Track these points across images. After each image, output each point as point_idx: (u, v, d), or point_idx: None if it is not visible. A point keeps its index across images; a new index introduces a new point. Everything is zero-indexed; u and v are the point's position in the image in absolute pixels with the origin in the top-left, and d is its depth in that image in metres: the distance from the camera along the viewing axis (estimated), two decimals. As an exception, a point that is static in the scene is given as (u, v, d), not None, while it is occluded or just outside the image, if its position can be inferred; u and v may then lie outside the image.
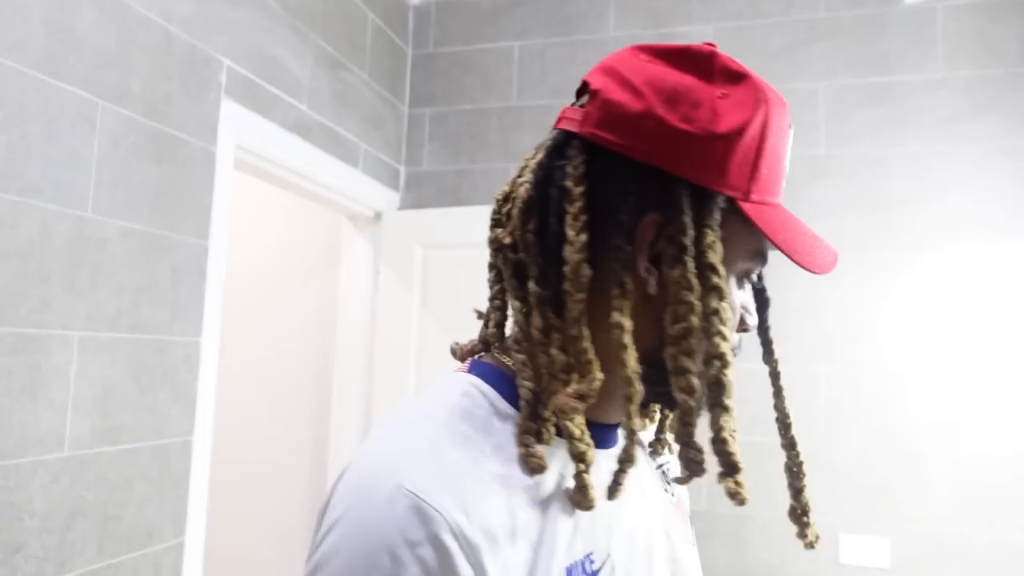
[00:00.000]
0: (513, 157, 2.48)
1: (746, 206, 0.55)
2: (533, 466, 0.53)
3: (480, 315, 0.65)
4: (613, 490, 0.57)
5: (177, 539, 1.56)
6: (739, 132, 0.54)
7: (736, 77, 0.56)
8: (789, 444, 0.65)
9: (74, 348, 1.32)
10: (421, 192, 2.57)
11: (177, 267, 1.56)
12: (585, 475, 0.53)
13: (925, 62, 2.17)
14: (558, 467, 0.56)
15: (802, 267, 0.55)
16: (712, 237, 0.54)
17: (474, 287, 2.35)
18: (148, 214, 1.49)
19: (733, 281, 0.59)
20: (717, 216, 0.55)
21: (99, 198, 1.37)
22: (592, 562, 0.56)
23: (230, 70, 1.72)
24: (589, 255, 0.54)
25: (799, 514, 0.63)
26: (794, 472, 0.64)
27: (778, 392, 0.66)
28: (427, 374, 2.31)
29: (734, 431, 0.54)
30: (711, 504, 2.12)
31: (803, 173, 2.21)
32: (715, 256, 0.54)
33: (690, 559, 0.69)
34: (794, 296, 2.17)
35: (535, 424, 0.54)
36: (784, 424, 0.65)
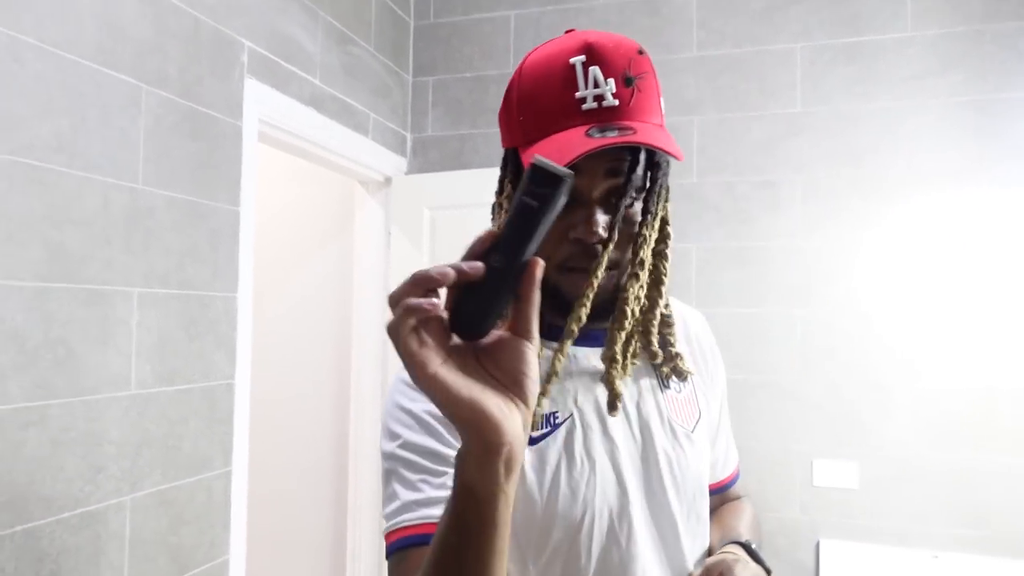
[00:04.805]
0: (512, 121, 2.65)
1: (522, 152, 0.76)
2: None
3: None
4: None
5: (225, 468, 1.79)
6: (505, 102, 0.79)
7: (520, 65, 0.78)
8: (639, 264, 0.79)
9: (134, 302, 1.53)
10: (427, 157, 2.75)
11: (214, 231, 1.76)
12: None
13: (894, 21, 2.31)
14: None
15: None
16: (508, 184, 0.81)
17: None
18: (188, 184, 1.68)
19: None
20: (512, 166, 0.80)
21: (147, 171, 1.57)
22: (557, 416, 0.79)
23: (251, 50, 1.89)
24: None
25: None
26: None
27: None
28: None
29: None
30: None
31: (781, 130, 2.38)
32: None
33: (686, 442, 0.83)
34: (773, 246, 2.35)
35: None
36: (635, 252, 0.79)
